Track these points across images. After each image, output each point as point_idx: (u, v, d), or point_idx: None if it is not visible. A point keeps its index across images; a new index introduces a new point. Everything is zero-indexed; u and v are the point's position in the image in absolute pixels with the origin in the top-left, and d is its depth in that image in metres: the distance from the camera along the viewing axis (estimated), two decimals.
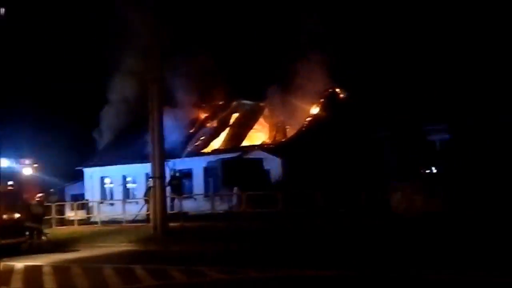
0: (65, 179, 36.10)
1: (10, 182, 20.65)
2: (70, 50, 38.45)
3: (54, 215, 27.37)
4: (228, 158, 28.89)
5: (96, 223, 27.52)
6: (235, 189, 26.10)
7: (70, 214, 29.38)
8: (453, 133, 28.23)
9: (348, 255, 14.41)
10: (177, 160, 29.29)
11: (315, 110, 31.77)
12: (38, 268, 15.08)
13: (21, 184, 20.89)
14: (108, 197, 34.38)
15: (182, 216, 25.03)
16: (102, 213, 28.80)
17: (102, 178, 34.93)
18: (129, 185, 34.29)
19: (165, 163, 22.38)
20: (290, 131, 31.76)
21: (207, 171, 30.18)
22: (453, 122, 28.51)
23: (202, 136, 32.84)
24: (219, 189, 28.03)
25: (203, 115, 34.59)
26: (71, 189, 36.54)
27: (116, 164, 33.64)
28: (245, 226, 20.65)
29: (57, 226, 27.06)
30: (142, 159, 27.87)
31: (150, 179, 21.90)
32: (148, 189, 24.25)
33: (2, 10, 20.27)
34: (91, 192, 34.23)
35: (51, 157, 30.04)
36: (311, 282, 11.40)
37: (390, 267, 12.33)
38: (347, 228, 18.49)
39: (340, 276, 11.63)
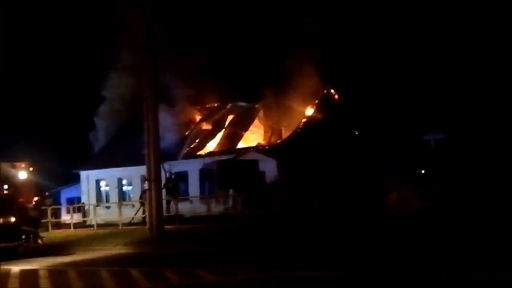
0: (60, 182, 36.09)
1: (5, 186, 20.62)
2: (66, 51, 38.46)
3: (50, 218, 27.35)
4: (223, 160, 28.94)
5: (92, 226, 27.52)
6: (231, 191, 26.16)
7: (66, 217, 29.37)
8: (448, 133, 28.39)
9: (345, 255, 14.47)
10: (173, 162, 29.32)
11: (310, 111, 31.86)
12: (34, 272, 15.08)
13: (16, 187, 20.85)
14: (104, 200, 34.37)
15: (178, 218, 25.07)
16: (98, 216, 28.81)
17: (97, 181, 34.92)
18: (124, 188, 34.28)
19: (161, 165, 22.41)
20: (286, 133, 31.83)
21: (203, 173, 30.22)
22: (448, 122, 28.66)
23: (197, 138, 32.87)
24: (215, 191, 28.09)
25: (198, 117, 34.63)
26: (67, 192, 36.52)
27: (111, 166, 33.62)
28: (241, 227, 20.70)
29: (53, 229, 27.04)
30: (138, 161, 27.85)
31: (146, 182, 21.93)
32: (144, 191, 24.28)
33: None
34: (87, 195, 34.20)
35: (47, 160, 30.01)
36: (307, 283, 11.45)
37: (387, 266, 12.39)
38: (343, 228, 18.57)
39: (337, 277, 11.67)
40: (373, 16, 30.96)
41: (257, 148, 30.96)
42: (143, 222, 24.07)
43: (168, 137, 30.30)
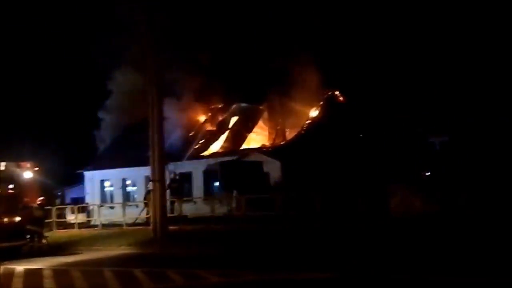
0: (65, 182, 36.21)
1: (10, 186, 20.72)
2: (70, 50, 38.57)
3: (54, 218, 27.44)
4: (227, 161, 28.98)
5: (96, 226, 27.60)
6: (235, 192, 26.17)
7: (70, 217, 29.45)
8: (453, 135, 28.35)
9: (347, 257, 14.47)
10: (177, 163, 29.36)
11: (314, 113, 31.89)
12: (38, 271, 15.16)
13: (21, 187, 20.94)
14: (108, 200, 34.46)
15: (182, 219, 25.12)
16: (102, 216, 28.86)
17: (102, 181, 35.01)
18: (129, 188, 34.37)
19: (165, 166, 22.47)
20: (290, 134, 31.87)
21: (207, 174, 30.26)
22: (452, 124, 28.62)
23: (201, 139, 32.93)
24: (219, 192, 28.11)
25: (202, 118, 34.70)
26: (71, 192, 36.63)
27: (116, 167, 33.71)
28: (244, 229, 20.73)
29: (57, 229, 27.14)
30: (142, 162, 27.94)
31: (150, 182, 21.99)
32: (148, 192, 24.34)
33: None
34: (91, 195, 34.31)
35: (52, 160, 30.14)
36: (309, 285, 11.49)
37: (389, 269, 12.41)
38: (346, 230, 18.56)
39: (339, 279, 11.70)
40: (378, 18, 30.95)
41: (261, 150, 30.99)
42: (147, 222, 24.12)
43: (173, 138, 30.42)
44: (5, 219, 19.69)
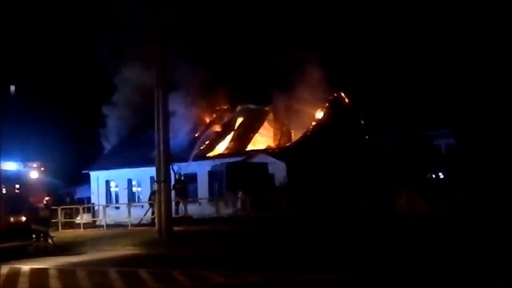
0: (70, 182, 36.31)
1: (17, 185, 20.80)
2: (77, 48, 38.65)
3: (60, 218, 27.54)
4: (232, 162, 29.00)
5: (101, 226, 27.68)
6: (240, 193, 26.20)
7: (76, 217, 29.55)
8: (459, 138, 28.29)
9: (352, 259, 14.46)
10: (182, 164, 29.43)
11: (319, 114, 31.87)
12: (44, 271, 15.23)
13: (28, 187, 21.02)
14: (114, 200, 34.55)
15: (187, 220, 25.17)
16: (108, 216, 28.96)
17: (107, 182, 35.10)
18: (134, 189, 34.44)
19: (170, 166, 22.51)
20: (295, 135, 31.85)
21: (212, 175, 30.29)
22: (458, 127, 28.56)
23: (207, 140, 32.96)
24: (224, 193, 28.14)
25: (208, 119, 34.74)
26: (79, 192, 36.72)
27: (121, 167, 33.78)
28: (249, 230, 20.75)
29: (63, 229, 27.23)
30: (147, 162, 27.99)
31: (155, 183, 22.03)
32: (153, 192, 24.40)
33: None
34: (97, 196, 34.40)
35: (57, 160, 30.25)
36: (314, 287, 11.49)
37: (392, 271, 12.40)
38: (351, 232, 18.56)
39: (343, 280, 11.71)
40: (385, 19, 30.91)
41: (267, 151, 30.99)
42: (152, 223, 24.18)
43: (178, 139, 30.44)
44: (11, 219, 19.79)
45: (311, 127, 31.34)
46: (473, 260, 13.00)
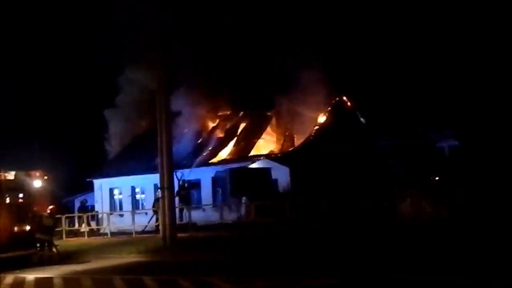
0: (74, 190, 36.32)
1: (20, 195, 20.79)
2: (78, 54, 38.70)
3: (64, 226, 27.54)
4: (236, 167, 28.98)
5: (105, 234, 27.66)
6: (244, 198, 26.16)
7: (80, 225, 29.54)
8: (462, 139, 28.22)
9: (358, 262, 14.41)
10: (185, 171, 29.45)
11: (322, 118, 31.84)
12: (49, 280, 15.20)
13: (31, 196, 21.01)
14: (117, 208, 34.54)
15: (191, 226, 25.12)
16: (112, 224, 28.93)
17: (111, 189, 35.11)
18: (138, 196, 34.44)
19: (174, 173, 22.49)
20: (298, 140, 31.82)
21: (215, 181, 30.26)
22: (461, 128, 28.50)
23: (210, 146, 32.96)
24: (228, 199, 28.10)
25: (210, 125, 34.74)
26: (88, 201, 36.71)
27: (125, 175, 33.82)
28: (254, 235, 20.70)
29: (67, 237, 27.22)
30: (151, 169, 28.02)
31: (159, 190, 22.00)
32: (157, 199, 24.37)
33: None
34: (101, 203, 34.40)
35: (61, 169, 30.26)
36: None
37: (394, 271, 12.35)
38: (355, 236, 18.50)
39: (348, 284, 11.66)
40: (388, 23, 30.87)
41: (270, 156, 30.97)
42: (156, 230, 24.14)
43: (181, 146, 30.44)
44: (15, 228, 19.77)
45: (313, 131, 31.32)
46: (473, 260, 12.95)
